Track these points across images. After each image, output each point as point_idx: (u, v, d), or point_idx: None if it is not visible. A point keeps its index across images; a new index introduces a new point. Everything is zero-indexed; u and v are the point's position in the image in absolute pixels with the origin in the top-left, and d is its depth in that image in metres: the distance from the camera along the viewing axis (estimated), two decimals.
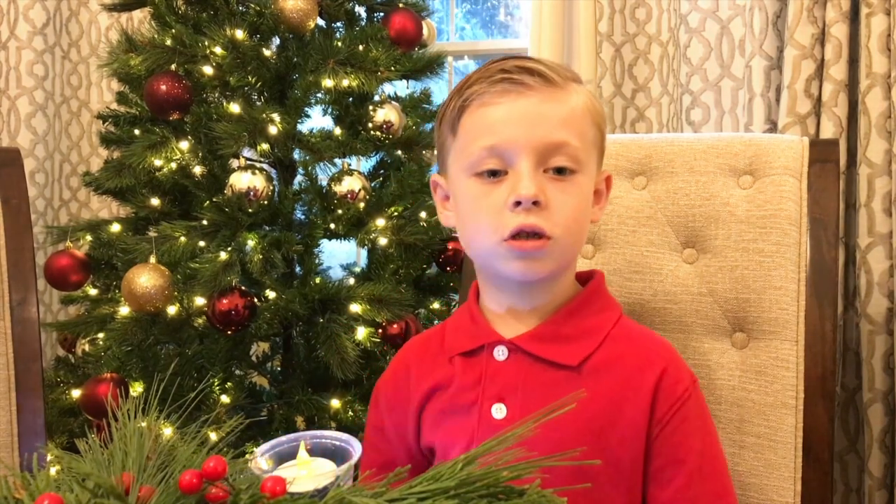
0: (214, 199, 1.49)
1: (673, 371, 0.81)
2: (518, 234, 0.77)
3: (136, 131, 1.57)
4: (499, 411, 0.81)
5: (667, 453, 0.79)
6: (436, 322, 1.64)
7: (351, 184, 1.49)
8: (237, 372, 1.52)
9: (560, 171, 0.79)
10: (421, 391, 0.87)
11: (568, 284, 0.86)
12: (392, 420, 0.90)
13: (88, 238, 1.63)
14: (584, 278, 0.88)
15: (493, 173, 0.79)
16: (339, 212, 1.50)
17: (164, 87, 1.44)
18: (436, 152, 0.89)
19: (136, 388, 1.44)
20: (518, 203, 0.77)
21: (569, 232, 0.79)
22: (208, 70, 1.48)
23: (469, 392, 0.83)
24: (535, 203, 0.76)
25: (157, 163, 1.51)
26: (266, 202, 1.45)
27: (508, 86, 0.79)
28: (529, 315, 0.84)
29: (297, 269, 1.55)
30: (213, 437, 0.68)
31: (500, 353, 0.83)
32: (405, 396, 0.89)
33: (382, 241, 1.51)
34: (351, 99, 1.56)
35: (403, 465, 0.82)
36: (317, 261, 1.51)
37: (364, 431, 0.94)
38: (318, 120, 1.58)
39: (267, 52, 1.50)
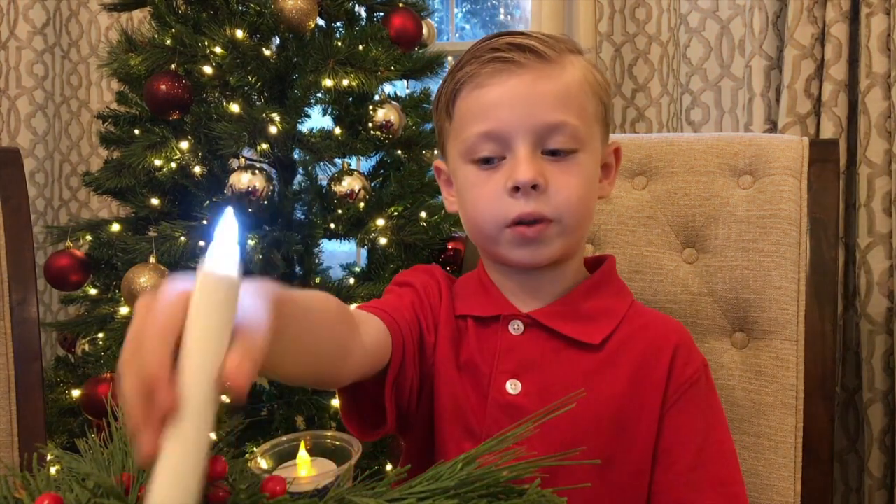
0: (214, 199, 1.49)
1: (685, 351, 0.80)
2: (519, 221, 0.75)
3: (136, 131, 1.57)
4: (513, 387, 0.78)
5: (670, 435, 0.77)
6: None
7: (351, 184, 1.49)
8: None
9: (560, 151, 0.76)
10: (444, 317, 0.81)
11: (577, 266, 0.84)
12: (420, 305, 0.81)
13: (88, 238, 1.63)
14: (593, 263, 0.86)
15: (491, 159, 0.77)
16: (339, 212, 1.50)
17: (164, 87, 1.44)
18: (436, 137, 0.87)
19: None
20: (517, 188, 0.74)
21: (572, 213, 0.76)
22: (208, 70, 1.48)
23: (481, 362, 0.80)
24: (535, 187, 0.74)
25: (157, 163, 1.51)
26: (266, 202, 1.45)
27: (500, 65, 0.75)
28: (540, 294, 0.81)
29: (297, 268, 1.55)
30: (213, 436, 0.68)
31: (516, 327, 0.80)
32: (436, 303, 0.82)
33: (382, 240, 1.51)
34: (351, 99, 1.56)
35: (403, 328, 0.76)
36: (317, 261, 1.51)
37: None
38: (318, 120, 1.58)
39: (267, 52, 1.50)
